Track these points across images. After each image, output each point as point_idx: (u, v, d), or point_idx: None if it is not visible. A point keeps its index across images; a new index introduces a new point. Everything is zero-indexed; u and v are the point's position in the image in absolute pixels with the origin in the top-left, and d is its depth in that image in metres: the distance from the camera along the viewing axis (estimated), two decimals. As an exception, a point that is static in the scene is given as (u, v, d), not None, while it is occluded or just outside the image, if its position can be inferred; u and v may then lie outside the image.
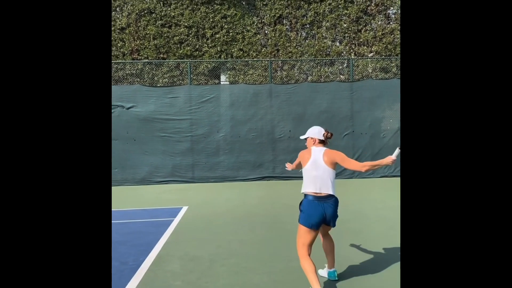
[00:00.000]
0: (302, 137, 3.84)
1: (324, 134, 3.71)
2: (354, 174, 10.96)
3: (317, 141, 3.71)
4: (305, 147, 3.86)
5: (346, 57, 12.91)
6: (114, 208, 7.70)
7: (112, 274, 4.12)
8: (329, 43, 13.13)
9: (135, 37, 12.64)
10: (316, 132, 3.73)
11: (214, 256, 4.65)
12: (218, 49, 12.79)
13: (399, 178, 10.49)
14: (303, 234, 3.48)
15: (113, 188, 10.20)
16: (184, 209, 7.37)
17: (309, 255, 3.46)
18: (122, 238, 5.49)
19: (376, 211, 6.90)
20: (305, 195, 3.56)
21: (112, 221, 6.60)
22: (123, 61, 12.32)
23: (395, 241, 5.02)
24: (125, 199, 8.80)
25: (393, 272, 4.00)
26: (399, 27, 13.07)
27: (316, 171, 3.51)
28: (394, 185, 9.59)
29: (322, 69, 12.93)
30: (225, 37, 12.78)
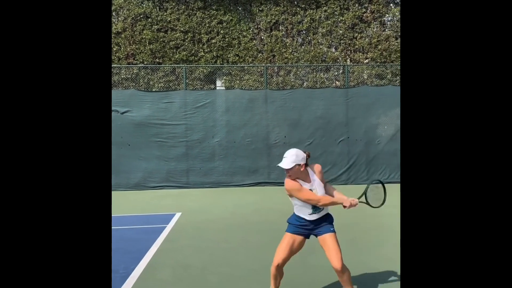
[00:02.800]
0: (286, 167, 3.21)
1: (306, 156, 3.32)
2: (349, 181, 10.94)
3: (304, 166, 3.28)
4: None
5: (341, 64, 12.94)
6: (106, 214, 7.63)
7: (101, 282, 4.06)
8: (325, 49, 13.15)
9: (131, 42, 12.62)
10: (302, 156, 3.27)
11: (206, 264, 4.60)
12: (214, 54, 12.79)
13: (393, 184, 10.47)
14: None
15: (107, 193, 10.11)
16: (178, 215, 7.31)
17: None
18: (113, 245, 5.41)
19: (371, 218, 6.88)
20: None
21: (104, 227, 6.54)
22: (119, 65, 12.28)
23: (392, 250, 4.99)
24: (118, 204, 8.72)
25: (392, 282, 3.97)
26: (394, 34, 13.13)
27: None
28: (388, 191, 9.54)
29: (317, 75, 12.94)
30: (221, 42, 12.78)
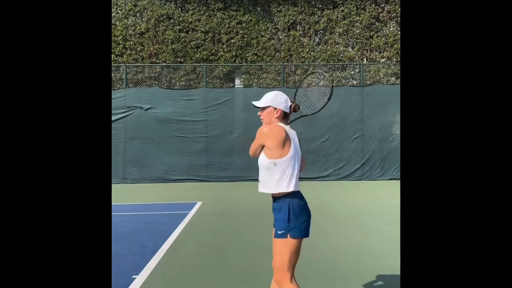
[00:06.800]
0: (258, 104, 2.59)
1: (291, 105, 2.61)
2: (363, 177, 11.20)
3: (281, 114, 2.56)
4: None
5: (358, 63, 13.21)
6: (132, 202, 8.16)
7: (133, 255, 4.53)
8: (342, 48, 13.45)
9: (154, 42, 13.19)
10: (283, 100, 2.57)
11: (225, 243, 5.02)
12: (233, 53, 13.25)
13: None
14: (296, 250, 2.55)
15: (131, 185, 10.71)
16: (199, 204, 7.77)
17: None
18: (141, 227, 5.91)
19: (381, 209, 7.18)
20: (293, 194, 2.58)
21: (130, 213, 7.07)
22: (142, 64, 12.86)
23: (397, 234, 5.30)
24: (143, 195, 9.26)
25: (394, 265, 4.30)
26: (410, 34, 13.30)
27: (299, 160, 2.59)
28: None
29: (334, 74, 13.25)
30: (240, 42, 13.23)
